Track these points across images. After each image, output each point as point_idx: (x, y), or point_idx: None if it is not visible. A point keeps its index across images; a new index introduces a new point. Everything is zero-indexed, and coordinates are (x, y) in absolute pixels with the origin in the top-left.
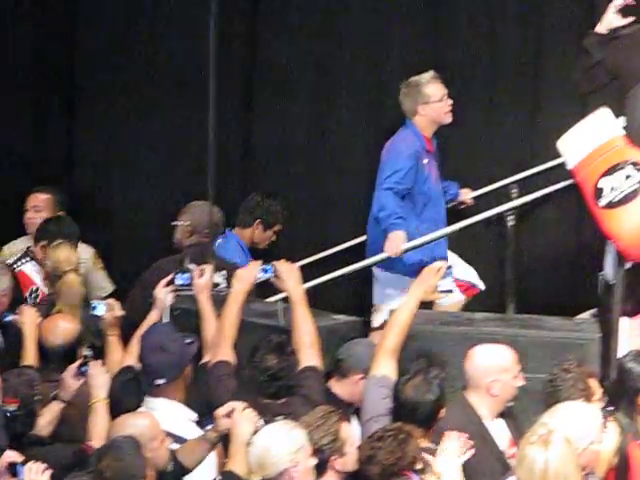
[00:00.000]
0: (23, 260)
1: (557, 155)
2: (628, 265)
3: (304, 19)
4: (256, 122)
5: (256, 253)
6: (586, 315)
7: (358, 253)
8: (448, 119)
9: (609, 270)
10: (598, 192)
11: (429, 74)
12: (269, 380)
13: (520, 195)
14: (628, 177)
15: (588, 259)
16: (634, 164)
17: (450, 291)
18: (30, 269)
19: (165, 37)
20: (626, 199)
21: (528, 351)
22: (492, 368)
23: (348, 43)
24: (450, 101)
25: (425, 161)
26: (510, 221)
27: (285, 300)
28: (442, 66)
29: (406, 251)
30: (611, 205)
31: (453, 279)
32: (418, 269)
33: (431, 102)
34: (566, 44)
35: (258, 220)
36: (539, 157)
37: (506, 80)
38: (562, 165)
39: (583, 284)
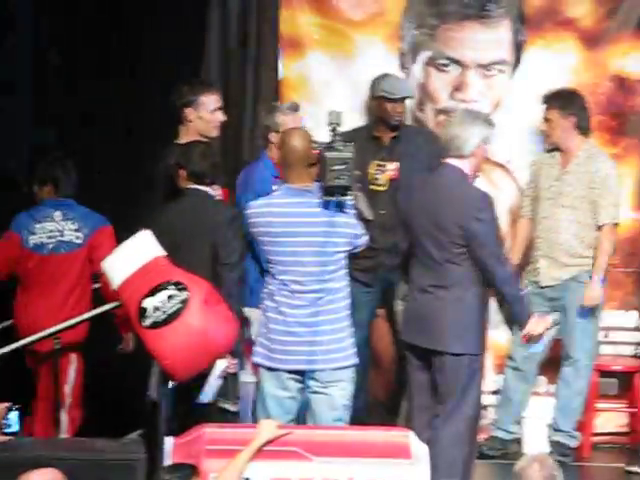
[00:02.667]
0: None
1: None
2: (172, 384)
3: None
4: None
5: None
6: (133, 435)
7: None
8: None
9: (154, 389)
10: (142, 312)
11: None
12: None
13: None
14: (171, 297)
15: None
16: (176, 284)
17: None
18: None
19: None
20: (170, 319)
21: (76, 474)
22: None
23: None
24: None
25: None
26: None
27: None
28: None
29: None
30: (155, 325)
31: None
32: None
33: None
34: None
35: None
36: None
37: None
38: None
39: (130, 405)
